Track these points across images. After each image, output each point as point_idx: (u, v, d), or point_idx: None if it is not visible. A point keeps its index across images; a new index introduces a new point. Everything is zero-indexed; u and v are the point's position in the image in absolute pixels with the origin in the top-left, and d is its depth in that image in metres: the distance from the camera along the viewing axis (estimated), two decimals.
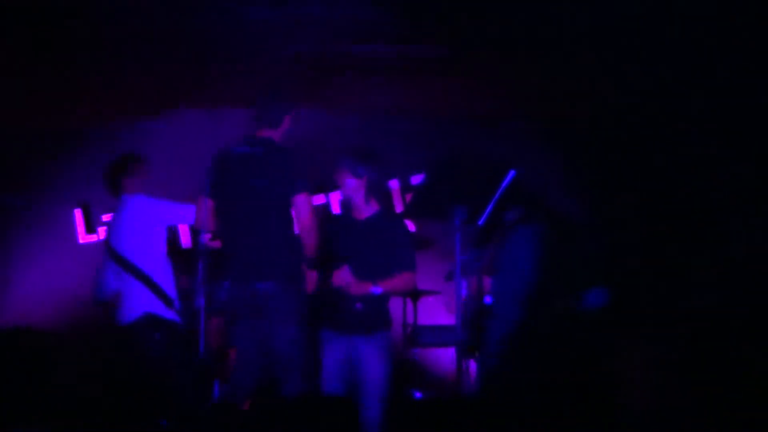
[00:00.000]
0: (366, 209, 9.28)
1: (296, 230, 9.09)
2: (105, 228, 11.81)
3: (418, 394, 10.62)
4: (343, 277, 9.11)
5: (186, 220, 9.91)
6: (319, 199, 12.19)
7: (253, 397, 9.09)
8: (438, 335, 10.85)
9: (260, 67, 11.11)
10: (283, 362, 8.75)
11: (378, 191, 9.50)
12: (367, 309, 9.21)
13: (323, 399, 8.84)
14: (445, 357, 11.27)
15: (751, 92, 10.37)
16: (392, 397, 9.59)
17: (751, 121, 10.43)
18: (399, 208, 12.07)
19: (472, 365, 10.23)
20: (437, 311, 11.35)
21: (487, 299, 10.03)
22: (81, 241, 11.93)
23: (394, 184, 12.25)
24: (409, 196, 11.88)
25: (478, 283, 10.10)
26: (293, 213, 8.97)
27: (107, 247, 9.61)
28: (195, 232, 10.54)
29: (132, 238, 9.56)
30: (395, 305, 10.05)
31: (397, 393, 10.06)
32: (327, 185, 11.92)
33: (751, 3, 9.87)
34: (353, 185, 9.21)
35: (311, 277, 8.97)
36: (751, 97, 10.39)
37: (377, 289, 9.10)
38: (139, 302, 9.42)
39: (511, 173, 9.82)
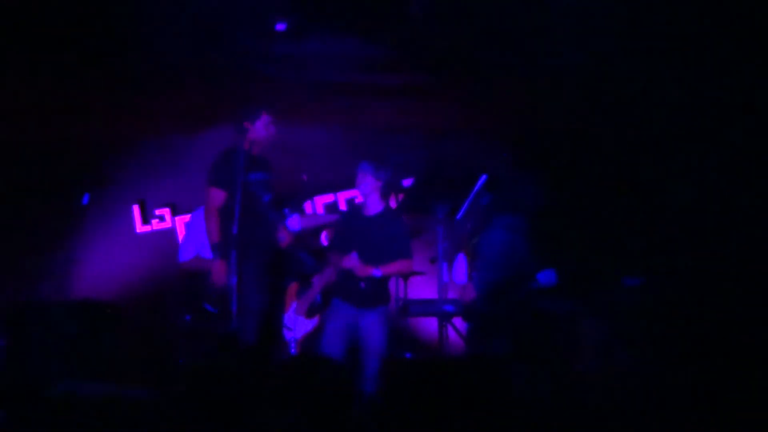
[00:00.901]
0: (375, 207, 9.64)
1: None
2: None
3: (408, 355, 10.70)
4: (351, 261, 9.59)
5: None
6: (329, 198, 12.28)
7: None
8: (424, 307, 10.82)
9: (285, 91, 11.22)
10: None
11: (389, 192, 9.91)
12: (369, 288, 9.59)
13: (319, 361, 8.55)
14: (429, 325, 11.41)
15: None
16: (388, 358, 9.97)
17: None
18: (393, 205, 11.78)
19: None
20: (423, 288, 11.44)
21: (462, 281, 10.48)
22: (138, 230, 12.06)
23: None
24: (401, 196, 11.77)
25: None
26: None
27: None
28: None
29: None
30: (390, 283, 10.34)
31: (392, 354, 10.25)
32: (336, 186, 12.10)
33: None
34: (371, 185, 9.56)
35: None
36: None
37: (378, 272, 9.54)
38: None
39: (483, 177, 10.28)
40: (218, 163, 9.30)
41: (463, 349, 10.46)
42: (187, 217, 11.73)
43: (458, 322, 10.68)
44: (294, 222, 10.66)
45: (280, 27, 10.90)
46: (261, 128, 9.32)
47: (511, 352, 9.79)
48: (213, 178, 9.25)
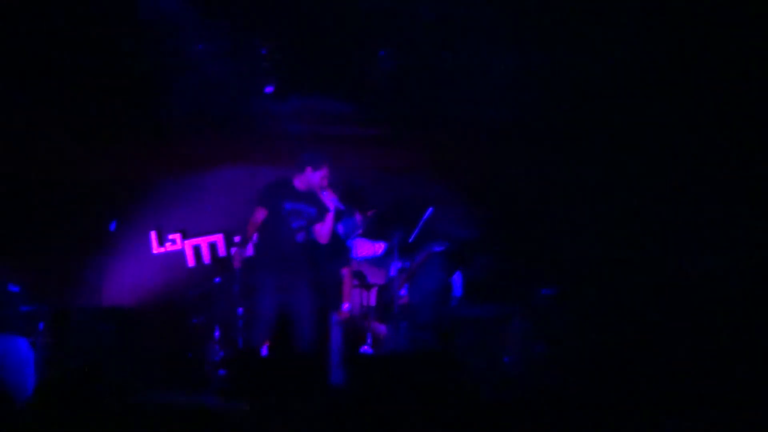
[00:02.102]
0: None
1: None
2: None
3: (369, 350, 10.52)
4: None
5: None
6: None
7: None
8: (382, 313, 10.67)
9: (273, 139, 11.35)
10: None
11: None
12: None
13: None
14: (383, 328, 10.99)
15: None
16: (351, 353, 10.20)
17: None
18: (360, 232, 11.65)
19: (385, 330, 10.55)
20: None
21: (403, 294, 10.53)
22: (154, 251, 12.03)
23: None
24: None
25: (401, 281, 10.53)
26: None
27: None
28: None
29: None
30: (355, 294, 10.63)
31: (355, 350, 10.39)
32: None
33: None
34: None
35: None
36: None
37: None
38: None
39: (430, 209, 10.40)
40: (267, 188, 9.15)
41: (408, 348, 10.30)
42: (195, 240, 11.98)
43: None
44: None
45: (269, 89, 10.97)
46: (316, 177, 9.10)
47: (451, 350, 9.96)
48: (259, 199, 9.07)
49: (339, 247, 9.95)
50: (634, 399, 7.81)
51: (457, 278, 10.50)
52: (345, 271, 9.91)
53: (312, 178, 9.09)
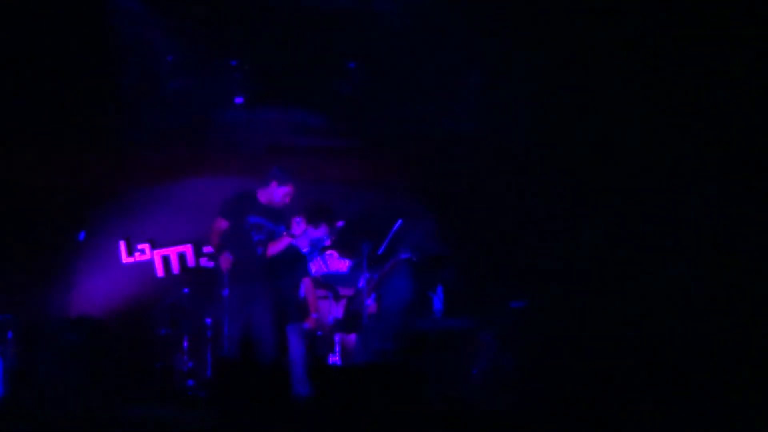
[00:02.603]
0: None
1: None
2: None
3: (337, 361, 10.56)
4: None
5: None
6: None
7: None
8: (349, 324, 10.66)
9: (243, 151, 11.36)
10: None
11: None
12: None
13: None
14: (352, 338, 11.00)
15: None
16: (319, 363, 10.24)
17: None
18: (327, 242, 12.06)
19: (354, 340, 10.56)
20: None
21: (370, 305, 10.55)
22: (123, 261, 11.94)
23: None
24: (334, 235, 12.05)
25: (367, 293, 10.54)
26: None
27: None
28: None
29: None
30: (325, 305, 10.66)
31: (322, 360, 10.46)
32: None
33: None
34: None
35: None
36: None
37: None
38: None
39: (399, 221, 10.43)
40: (231, 200, 9.04)
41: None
42: (164, 251, 11.99)
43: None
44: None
45: (239, 100, 11.03)
46: (279, 194, 9.00)
47: (418, 360, 9.98)
48: (222, 210, 8.96)
49: (296, 259, 9.97)
50: (602, 410, 7.90)
51: (439, 292, 10.50)
52: (306, 282, 9.93)
53: (275, 193, 9.03)
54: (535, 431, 7.23)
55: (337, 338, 10.78)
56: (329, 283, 10.92)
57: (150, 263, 12.08)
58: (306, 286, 9.86)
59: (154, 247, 12.03)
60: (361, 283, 10.22)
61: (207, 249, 11.14)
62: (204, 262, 11.78)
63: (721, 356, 8.65)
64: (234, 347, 8.90)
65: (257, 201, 9.10)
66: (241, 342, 8.91)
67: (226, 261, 8.91)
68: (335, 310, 10.96)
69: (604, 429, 7.21)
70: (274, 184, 9.01)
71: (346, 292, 11.07)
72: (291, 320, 9.36)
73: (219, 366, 9.63)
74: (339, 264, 10.92)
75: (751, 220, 9.04)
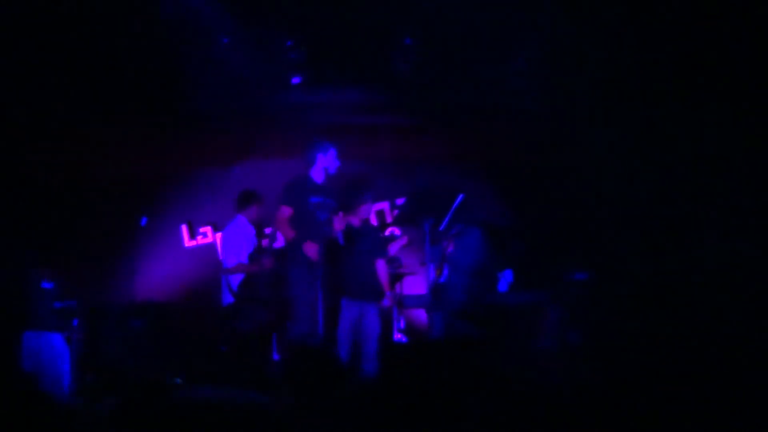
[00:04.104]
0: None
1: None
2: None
3: (404, 339, 10.77)
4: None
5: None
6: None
7: None
8: (415, 301, 10.94)
9: (302, 131, 11.12)
10: None
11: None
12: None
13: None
14: (421, 315, 11.25)
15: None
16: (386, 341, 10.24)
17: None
18: (389, 219, 12.17)
19: (435, 319, 10.27)
20: (415, 285, 11.41)
21: (441, 280, 10.56)
22: (186, 245, 12.11)
23: (385, 204, 12.24)
24: (396, 212, 12.05)
25: (440, 268, 10.63)
26: None
27: None
28: None
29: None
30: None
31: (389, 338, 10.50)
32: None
33: None
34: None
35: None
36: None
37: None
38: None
39: (460, 196, 10.37)
40: (289, 186, 9.28)
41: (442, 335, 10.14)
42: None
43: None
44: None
45: (295, 80, 11.06)
46: (328, 162, 9.33)
47: (486, 336, 9.92)
48: (284, 197, 9.22)
49: (375, 239, 10.00)
50: (668, 388, 7.78)
51: (507, 275, 10.44)
52: (380, 262, 9.93)
53: (325, 164, 9.28)
54: (600, 410, 7.14)
55: (402, 315, 10.89)
56: (396, 256, 10.92)
57: (212, 246, 12.12)
58: (381, 267, 9.87)
59: (216, 230, 12.05)
60: (427, 259, 10.22)
61: (268, 230, 11.12)
62: (266, 243, 11.77)
63: None
64: (303, 328, 9.06)
65: (313, 181, 9.27)
66: (311, 324, 9.07)
67: (312, 250, 9.06)
68: (399, 287, 11.01)
69: (672, 406, 7.10)
70: (320, 156, 9.27)
71: (411, 268, 11.16)
72: (368, 300, 9.57)
73: (287, 348, 9.63)
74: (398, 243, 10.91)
75: None
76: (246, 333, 9.86)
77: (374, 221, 11.76)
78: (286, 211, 9.15)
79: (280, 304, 9.77)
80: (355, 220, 9.82)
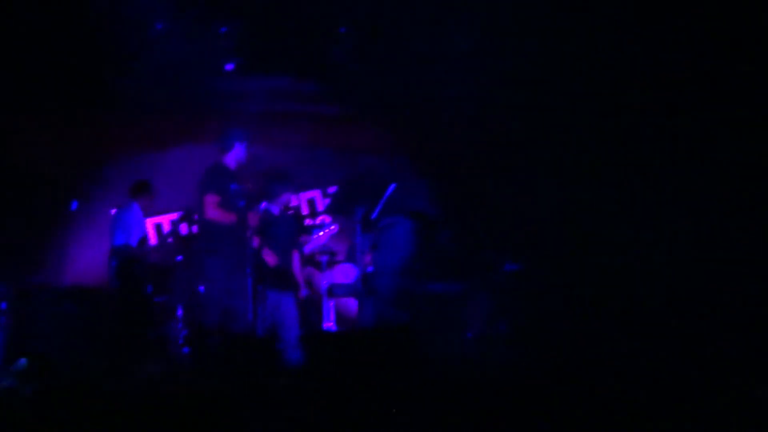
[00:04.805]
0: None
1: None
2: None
3: (334, 327, 10.74)
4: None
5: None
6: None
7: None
8: (345, 290, 10.89)
9: (235, 118, 10.94)
10: None
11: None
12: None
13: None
14: (350, 303, 11.37)
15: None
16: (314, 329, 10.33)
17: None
18: (320, 208, 12.24)
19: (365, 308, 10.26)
20: (344, 274, 11.28)
21: (370, 269, 10.62)
22: None
23: (317, 193, 12.35)
24: (327, 200, 12.17)
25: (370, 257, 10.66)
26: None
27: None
28: None
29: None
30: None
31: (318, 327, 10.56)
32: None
33: None
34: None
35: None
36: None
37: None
38: None
39: (392, 186, 10.42)
40: (210, 174, 9.32)
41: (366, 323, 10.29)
42: (157, 219, 12.02)
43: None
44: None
45: (229, 67, 10.96)
46: (242, 151, 9.38)
47: (413, 324, 9.97)
48: (208, 185, 9.23)
49: (292, 230, 10.07)
50: (595, 376, 7.90)
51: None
52: (295, 255, 10.00)
53: (242, 153, 9.38)
54: (528, 398, 7.23)
55: (332, 304, 10.84)
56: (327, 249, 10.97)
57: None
58: (295, 260, 9.93)
59: (145, 215, 11.92)
60: (358, 248, 10.26)
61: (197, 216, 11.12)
62: (196, 230, 11.73)
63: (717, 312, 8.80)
64: (217, 315, 9.16)
65: (229, 169, 9.34)
66: (224, 310, 9.18)
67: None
68: (330, 276, 11.00)
69: (598, 393, 7.21)
70: (237, 144, 9.36)
71: (341, 257, 11.24)
72: (285, 288, 9.56)
73: (204, 333, 9.62)
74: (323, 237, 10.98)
75: None
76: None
77: (305, 210, 11.80)
78: (214, 198, 9.14)
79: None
80: (275, 209, 9.88)
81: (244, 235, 9.13)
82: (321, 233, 10.74)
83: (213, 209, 9.15)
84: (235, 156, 9.36)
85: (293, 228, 10.25)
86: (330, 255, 10.94)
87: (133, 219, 10.45)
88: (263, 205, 9.64)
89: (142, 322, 10.23)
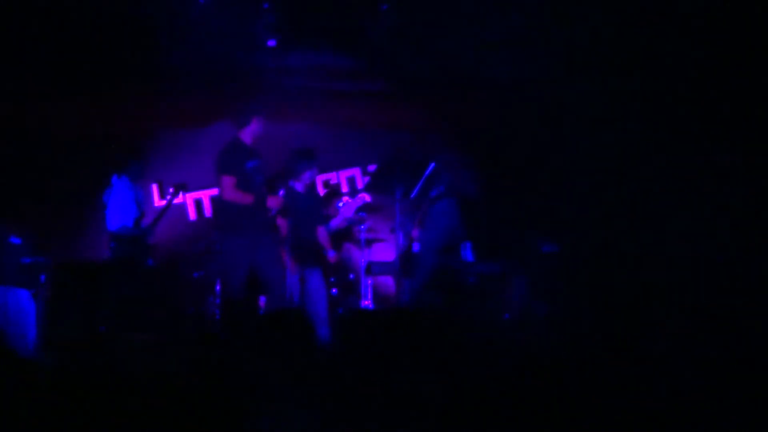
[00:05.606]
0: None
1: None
2: None
3: (371, 306, 10.78)
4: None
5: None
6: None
7: None
8: (384, 268, 11.02)
9: (274, 95, 11.04)
10: None
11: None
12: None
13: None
14: (389, 282, 11.50)
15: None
16: (353, 308, 10.33)
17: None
18: (360, 186, 12.22)
19: (404, 287, 10.47)
20: (384, 252, 11.53)
21: (415, 247, 10.65)
22: (155, 204, 11.97)
23: (357, 171, 12.33)
24: (366, 179, 12.12)
25: (410, 235, 10.69)
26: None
27: None
28: None
29: None
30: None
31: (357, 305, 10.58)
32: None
33: None
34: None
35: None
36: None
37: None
38: None
39: (432, 165, 10.42)
40: (225, 154, 9.21)
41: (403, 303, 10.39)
42: (197, 194, 12.04)
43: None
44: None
45: (271, 43, 11.00)
46: (260, 126, 9.25)
47: (452, 305, 9.98)
48: (223, 167, 9.14)
49: (316, 206, 10.11)
50: (633, 360, 7.85)
51: (468, 247, 10.47)
52: (321, 229, 10.04)
53: (259, 128, 9.27)
54: (567, 381, 7.18)
55: (370, 282, 10.91)
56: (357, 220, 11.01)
57: (182, 207, 12.14)
58: (321, 233, 9.94)
59: (186, 190, 11.92)
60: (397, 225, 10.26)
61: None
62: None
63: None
64: (240, 292, 9.10)
65: (245, 145, 9.24)
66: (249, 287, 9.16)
67: (273, 202, 9.27)
68: (368, 253, 11.04)
69: (634, 376, 7.16)
70: (255, 119, 9.22)
71: (381, 235, 11.25)
72: (312, 264, 9.59)
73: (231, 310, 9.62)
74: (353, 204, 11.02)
75: None
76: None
77: (321, 190, 11.80)
78: (231, 180, 9.07)
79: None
80: (299, 186, 9.87)
81: (263, 213, 9.19)
82: (342, 204, 10.77)
83: (231, 191, 9.08)
84: (251, 131, 9.26)
85: (318, 204, 10.25)
86: (367, 230, 10.93)
87: (119, 198, 10.49)
88: (290, 182, 9.70)
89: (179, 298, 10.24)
